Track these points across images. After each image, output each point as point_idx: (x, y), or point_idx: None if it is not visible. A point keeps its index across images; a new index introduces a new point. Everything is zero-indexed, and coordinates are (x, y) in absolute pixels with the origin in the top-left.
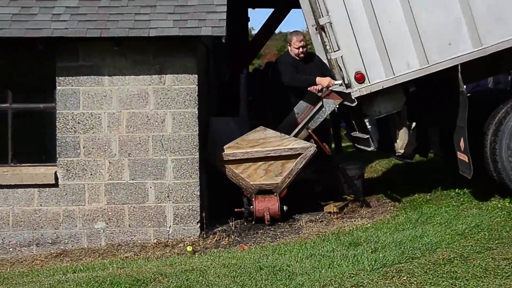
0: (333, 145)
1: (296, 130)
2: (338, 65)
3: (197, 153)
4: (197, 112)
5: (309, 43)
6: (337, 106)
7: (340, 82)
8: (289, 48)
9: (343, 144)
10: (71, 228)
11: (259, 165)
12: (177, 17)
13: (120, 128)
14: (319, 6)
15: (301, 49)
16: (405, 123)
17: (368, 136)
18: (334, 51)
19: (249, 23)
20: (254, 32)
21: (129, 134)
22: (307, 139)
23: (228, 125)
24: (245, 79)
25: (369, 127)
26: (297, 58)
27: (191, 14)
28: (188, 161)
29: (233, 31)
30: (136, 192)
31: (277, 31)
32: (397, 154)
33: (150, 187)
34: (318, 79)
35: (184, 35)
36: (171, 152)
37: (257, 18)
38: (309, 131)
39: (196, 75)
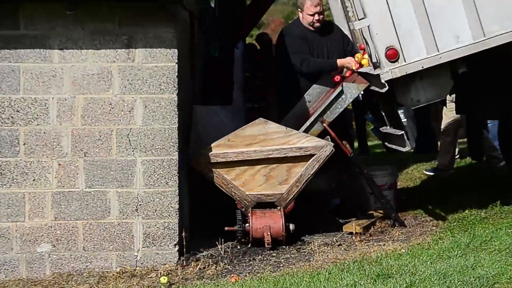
0: (356, 144)
1: (308, 123)
2: (363, 38)
3: (176, 152)
4: (176, 98)
5: (327, 9)
6: (362, 92)
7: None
8: (300, 15)
9: (369, 143)
10: (5, 252)
11: (258, 170)
12: None
13: (73, 119)
14: None
15: (316, 17)
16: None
17: (403, 132)
18: (359, 20)
19: None
20: None
21: (86, 127)
22: (322, 135)
23: (218, 116)
24: (240, 55)
25: (404, 120)
26: (311, 28)
27: None
28: (164, 163)
29: None
30: (94, 204)
31: None
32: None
33: (113, 198)
34: (339, 61)
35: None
36: (142, 152)
37: None
38: (325, 124)
39: (176, 50)
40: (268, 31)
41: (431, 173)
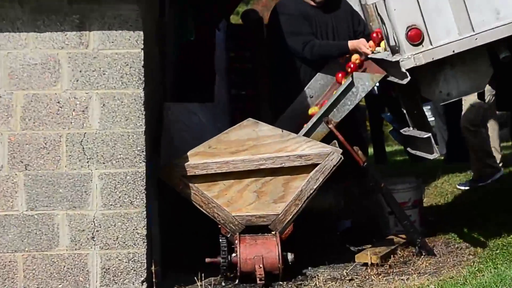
0: (371, 150)
1: (309, 124)
2: (378, 15)
3: (143, 163)
4: (143, 94)
5: None
6: (377, 84)
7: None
8: None
9: (387, 149)
10: None
11: (247, 184)
12: None
13: (11, 122)
14: None
15: None
16: (491, 114)
17: (430, 135)
18: None
19: None
20: None
21: (27, 132)
22: (328, 139)
23: (196, 116)
24: (223, 38)
25: (431, 119)
26: (311, 3)
27: None
28: (128, 177)
29: None
30: (38, 231)
31: None
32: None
33: (63, 223)
34: (351, 43)
35: None
36: (99, 163)
37: None
38: (331, 126)
39: (141, 33)
40: (257, 8)
41: (466, 187)
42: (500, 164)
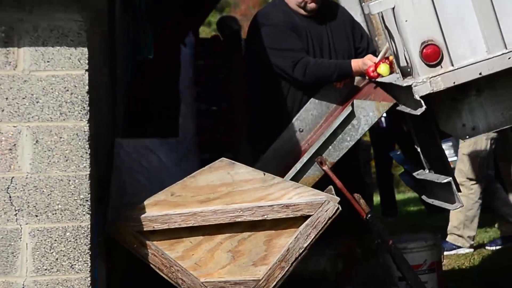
0: (377, 199)
1: (298, 165)
2: (386, 27)
3: (88, 216)
4: (88, 127)
5: None
6: (385, 115)
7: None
8: None
9: (398, 197)
10: None
11: (220, 242)
12: None
13: None
14: None
15: None
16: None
17: (450, 179)
18: None
19: None
20: None
21: None
22: (322, 184)
23: (154, 155)
24: (190, 56)
25: (453, 159)
26: (302, 11)
27: None
28: (68, 234)
29: None
30: None
31: None
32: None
33: None
34: (355, 62)
35: None
36: (31, 216)
37: None
38: (325, 168)
39: (86, 49)
40: (236, 15)
41: (496, 247)
42: None
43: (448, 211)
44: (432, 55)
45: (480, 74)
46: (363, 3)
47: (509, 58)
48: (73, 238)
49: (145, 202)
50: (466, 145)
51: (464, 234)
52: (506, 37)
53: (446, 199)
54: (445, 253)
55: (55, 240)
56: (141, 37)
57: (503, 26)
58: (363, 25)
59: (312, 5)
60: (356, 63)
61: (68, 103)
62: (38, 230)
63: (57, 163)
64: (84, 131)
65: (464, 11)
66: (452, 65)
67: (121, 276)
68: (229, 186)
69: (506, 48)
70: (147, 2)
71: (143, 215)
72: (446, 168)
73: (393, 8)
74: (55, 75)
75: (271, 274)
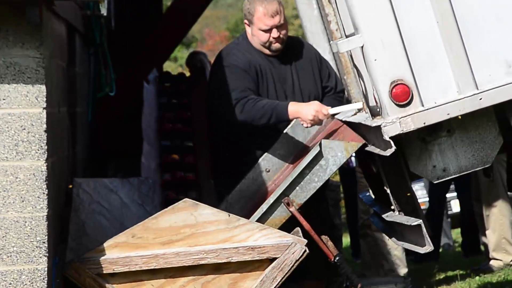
0: (346, 240)
1: (264, 207)
2: (354, 66)
3: (45, 258)
4: (45, 167)
5: (292, 21)
6: (354, 155)
7: (359, 105)
8: (249, 29)
9: None
10: None
11: (183, 285)
12: None
13: None
14: None
15: (274, 33)
16: (503, 195)
17: (419, 222)
18: (346, 36)
19: None
20: None
21: None
22: (288, 226)
23: (115, 195)
24: (153, 93)
25: (424, 199)
26: (266, 51)
27: None
28: (24, 277)
29: None
30: None
31: None
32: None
33: None
34: (293, 107)
35: None
36: None
37: None
38: (292, 209)
39: (44, 87)
40: (204, 51)
41: None
42: None
43: (420, 254)
44: (402, 95)
45: (448, 114)
46: (331, 41)
47: (480, 99)
48: (29, 281)
49: (105, 244)
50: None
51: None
52: (477, 78)
53: (416, 242)
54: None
55: (10, 284)
56: (102, 74)
57: (474, 66)
58: (332, 63)
59: (277, 45)
60: (293, 108)
61: (25, 142)
62: None
63: (13, 204)
64: (42, 171)
65: (434, 50)
66: (422, 105)
67: None
68: (193, 227)
69: (477, 89)
70: (110, 38)
71: (103, 257)
72: (416, 210)
73: (362, 47)
74: (11, 113)
75: None
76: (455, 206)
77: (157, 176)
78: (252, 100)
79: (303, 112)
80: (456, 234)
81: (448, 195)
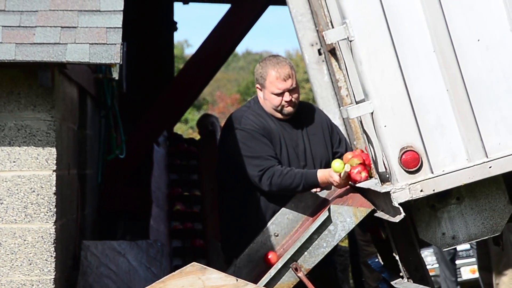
0: None
1: (273, 271)
2: (364, 132)
3: None
4: (54, 230)
5: (303, 84)
6: (362, 220)
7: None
8: (260, 93)
9: None
10: None
11: None
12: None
13: None
14: (326, 2)
15: (287, 97)
16: None
17: None
18: (356, 102)
19: (175, 33)
20: (188, 51)
21: None
22: None
23: (123, 258)
24: (163, 155)
25: (434, 266)
26: (278, 115)
27: (44, 19)
28: None
29: (141, 51)
30: None
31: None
32: None
33: None
34: (321, 173)
35: (25, 61)
36: None
37: (194, 29)
38: (300, 274)
39: (55, 150)
40: (214, 113)
41: None
42: None
43: None
44: (411, 162)
45: (462, 183)
46: (341, 107)
47: (490, 167)
48: None
49: None
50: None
51: None
52: (487, 145)
53: None
54: None
55: None
56: (112, 136)
57: (483, 134)
58: (342, 128)
59: (289, 109)
60: (322, 174)
61: (34, 205)
62: None
63: (20, 267)
64: (50, 234)
65: (444, 117)
66: (432, 172)
67: None
68: None
69: (487, 157)
70: (121, 101)
71: None
72: (425, 277)
73: (372, 113)
74: (21, 176)
75: None
76: (464, 273)
77: (166, 239)
78: (278, 171)
79: (332, 177)
80: None
81: (457, 261)
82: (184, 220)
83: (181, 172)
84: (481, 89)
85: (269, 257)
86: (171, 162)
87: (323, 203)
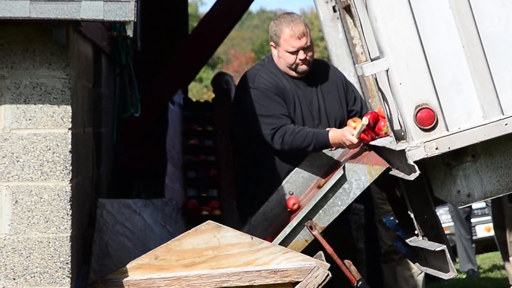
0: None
1: (287, 230)
2: (379, 89)
3: (68, 279)
4: (70, 188)
5: (317, 42)
6: (376, 178)
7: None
8: (275, 51)
9: None
10: None
11: None
12: None
13: None
14: None
15: (301, 55)
16: None
17: (444, 247)
18: (371, 60)
19: None
20: (202, 9)
21: None
22: (311, 250)
23: (139, 216)
24: (178, 114)
25: (449, 224)
26: (292, 73)
27: None
28: None
29: (155, 9)
30: None
31: (254, 8)
32: None
33: None
34: (333, 134)
35: (39, 18)
36: (8, 279)
37: None
38: (315, 232)
39: (70, 107)
40: (229, 71)
41: None
42: None
43: (444, 280)
44: (427, 119)
45: (478, 141)
46: (356, 65)
47: (506, 124)
48: None
49: (128, 266)
50: None
51: None
52: (503, 103)
53: (440, 267)
54: None
55: None
56: (127, 95)
57: (499, 91)
58: (357, 86)
59: (303, 67)
60: (335, 134)
61: (50, 163)
62: None
63: (37, 225)
64: (66, 192)
65: (460, 74)
66: (447, 129)
67: None
68: (215, 249)
69: (503, 114)
70: (135, 59)
71: (125, 279)
72: (440, 235)
73: (387, 71)
74: (36, 134)
75: None
76: (480, 231)
77: (181, 197)
78: (290, 129)
79: (342, 136)
80: (481, 260)
81: (473, 220)
82: (197, 154)
83: (194, 111)
84: (497, 46)
85: (291, 202)
86: (186, 120)
87: (338, 162)
